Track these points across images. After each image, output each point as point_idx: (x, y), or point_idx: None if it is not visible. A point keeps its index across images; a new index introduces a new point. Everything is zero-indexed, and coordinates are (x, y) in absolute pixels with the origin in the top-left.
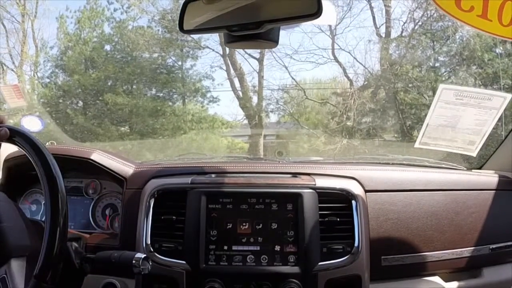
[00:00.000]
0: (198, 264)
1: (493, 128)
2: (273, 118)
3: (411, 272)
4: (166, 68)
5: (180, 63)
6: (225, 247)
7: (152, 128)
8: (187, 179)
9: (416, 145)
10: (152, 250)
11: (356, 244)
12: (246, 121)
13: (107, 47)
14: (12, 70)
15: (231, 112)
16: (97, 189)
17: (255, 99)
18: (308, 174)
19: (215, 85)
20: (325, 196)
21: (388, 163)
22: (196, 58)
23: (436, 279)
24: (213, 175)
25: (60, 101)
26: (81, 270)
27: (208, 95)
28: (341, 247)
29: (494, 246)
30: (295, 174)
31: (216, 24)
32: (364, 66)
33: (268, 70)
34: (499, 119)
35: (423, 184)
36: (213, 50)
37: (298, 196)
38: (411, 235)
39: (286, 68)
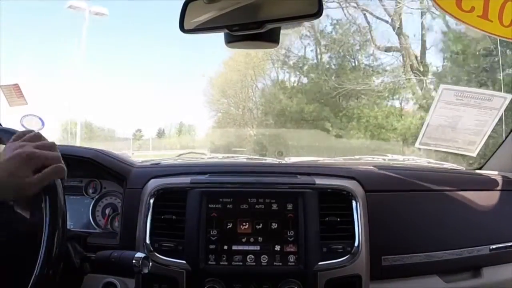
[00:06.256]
0: (198, 264)
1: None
2: None
3: (411, 272)
4: None
5: None
6: (225, 247)
7: None
8: (187, 179)
9: (416, 145)
10: (152, 249)
11: (356, 244)
12: None
13: None
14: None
15: None
16: (97, 189)
17: None
18: (308, 174)
19: None
20: (325, 196)
21: (388, 163)
22: None
23: (436, 279)
24: (213, 175)
25: None
26: (81, 270)
27: None
28: (341, 247)
29: (494, 246)
30: (295, 174)
31: (217, 23)
32: None
33: None
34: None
35: (423, 184)
36: None
37: (298, 196)
38: (411, 235)
39: None
